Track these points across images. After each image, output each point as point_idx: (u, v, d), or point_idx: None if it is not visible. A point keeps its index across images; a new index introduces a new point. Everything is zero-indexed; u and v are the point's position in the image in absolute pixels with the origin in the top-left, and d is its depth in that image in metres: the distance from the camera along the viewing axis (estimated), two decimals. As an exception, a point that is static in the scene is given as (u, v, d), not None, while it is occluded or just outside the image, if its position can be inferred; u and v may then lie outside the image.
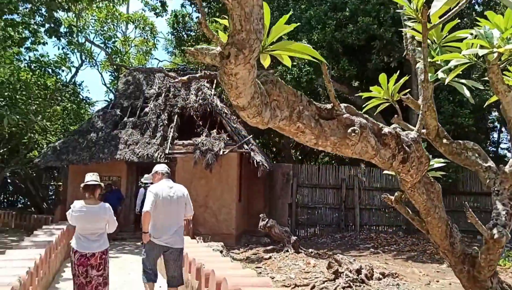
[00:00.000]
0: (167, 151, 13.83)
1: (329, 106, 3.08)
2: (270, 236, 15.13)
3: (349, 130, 2.98)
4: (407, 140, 3.39)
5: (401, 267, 10.47)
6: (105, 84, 25.73)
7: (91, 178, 5.29)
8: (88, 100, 21.88)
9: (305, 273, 9.33)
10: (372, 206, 16.27)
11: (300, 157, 25.18)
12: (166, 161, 13.64)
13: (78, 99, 21.12)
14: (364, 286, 8.06)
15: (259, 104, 2.65)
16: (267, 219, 12.36)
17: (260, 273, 9.13)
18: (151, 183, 6.01)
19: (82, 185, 5.27)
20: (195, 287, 5.70)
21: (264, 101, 2.71)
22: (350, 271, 8.38)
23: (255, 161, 13.59)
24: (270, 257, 11.26)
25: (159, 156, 13.65)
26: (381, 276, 8.73)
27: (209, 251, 7.14)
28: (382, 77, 3.70)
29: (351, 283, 8.06)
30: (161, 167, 5.87)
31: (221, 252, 10.05)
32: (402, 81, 3.76)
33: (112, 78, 24.74)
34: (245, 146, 13.88)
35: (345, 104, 3.24)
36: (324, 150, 3.15)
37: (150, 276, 5.52)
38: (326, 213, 16.36)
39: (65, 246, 9.50)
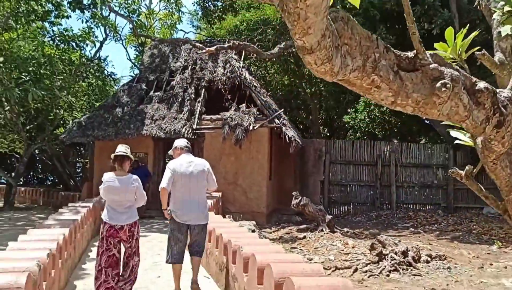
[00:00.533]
0: (194, 126, 13.27)
1: (411, 53, 2.37)
2: (302, 215, 14.57)
3: (438, 84, 2.27)
4: (502, 99, 2.66)
5: (446, 248, 9.73)
6: (130, 59, 25.34)
7: (122, 149, 5.19)
8: (113, 76, 21.48)
9: (345, 254, 8.71)
10: (409, 183, 15.46)
11: (328, 134, 24.41)
12: (193, 137, 13.11)
13: (103, 75, 20.71)
14: (412, 270, 7.39)
15: (330, 46, 1.97)
16: (301, 197, 11.73)
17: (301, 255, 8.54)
18: None
19: (112, 155, 5.18)
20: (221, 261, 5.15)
21: (335, 43, 2.02)
22: (396, 253, 7.71)
23: (287, 136, 12.91)
24: (304, 237, 10.68)
25: (186, 131, 13.11)
26: (429, 259, 8.04)
27: (243, 231, 6.56)
28: (449, 31, 2.99)
29: (397, 266, 7.40)
30: (180, 142, 5.69)
31: (253, 231, 9.51)
32: (472, 36, 3.03)
33: (137, 52, 24.22)
34: (276, 121, 13.20)
35: (432, 51, 2.55)
36: (403, 110, 2.44)
37: (174, 257, 5.33)
38: (360, 191, 15.62)
39: (91, 224, 9.10)
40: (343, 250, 9.07)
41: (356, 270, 7.50)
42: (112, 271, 4.85)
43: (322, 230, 11.34)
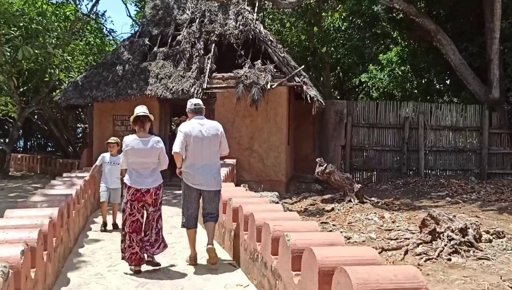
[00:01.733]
0: (204, 86, 11.85)
1: None
2: (322, 183, 13.34)
3: None
4: None
5: (497, 221, 8.48)
6: (130, 16, 23.60)
7: (141, 110, 4.98)
8: (113, 33, 19.87)
9: (386, 231, 7.46)
10: (439, 148, 14.10)
11: (338, 97, 22.95)
12: (203, 97, 11.71)
13: (102, 34, 19.11)
14: (475, 252, 6.14)
15: None
16: (326, 164, 10.44)
17: (331, 231, 7.30)
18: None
19: (131, 118, 4.97)
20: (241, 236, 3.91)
21: None
22: (453, 231, 6.44)
23: (308, 96, 11.51)
24: (332, 209, 9.44)
25: (195, 91, 11.71)
26: (491, 237, 6.79)
27: (277, 209, 5.28)
28: None
29: (458, 248, 6.15)
30: (192, 104, 5.28)
31: (276, 203, 8.25)
32: None
33: (137, 9, 22.48)
34: (297, 79, 11.77)
35: None
36: None
37: (189, 221, 5.12)
38: (385, 157, 14.30)
39: (90, 197, 7.85)
40: (382, 226, 7.83)
41: (407, 251, 6.26)
42: (137, 236, 4.81)
43: (350, 201, 10.13)
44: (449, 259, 5.87)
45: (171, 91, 11.76)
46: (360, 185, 10.41)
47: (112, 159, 7.02)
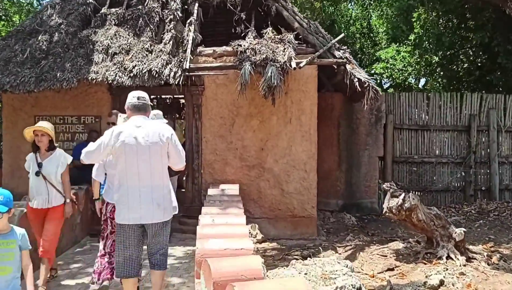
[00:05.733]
0: (186, 65, 7.18)
1: None
2: (348, 208, 9.17)
3: None
4: None
5: None
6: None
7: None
8: None
9: None
10: (518, 158, 10.06)
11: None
12: (183, 84, 7.13)
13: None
14: None
15: None
16: (402, 193, 6.07)
17: None
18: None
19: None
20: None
21: None
22: None
23: (356, 81, 7.10)
24: (441, 284, 5.04)
25: (172, 73, 7.06)
26: None
27: None
28: None
29: None
30: (132, 98, 3.83)
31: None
32: None
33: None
34: (337, 53, 7.34)
35: None
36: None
37: (126, 267, 3.69)
38: (442, 171, 10.08)
39: None
40: None
41: None
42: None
43: (449, 257, 5.88)
44: None
45: (131, 74, 7.06)
46: (462, 229, 6.06)
47: None
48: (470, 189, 9.80)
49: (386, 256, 6.26)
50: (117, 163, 3.69)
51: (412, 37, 12.62)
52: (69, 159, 4.84)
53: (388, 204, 6.08)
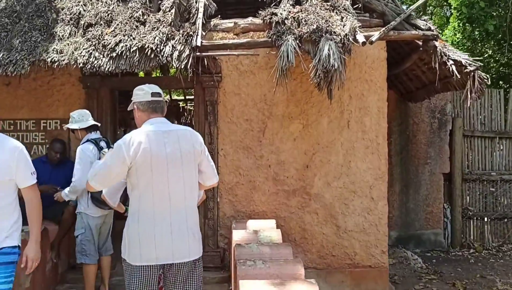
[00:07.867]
0: (197, 42, 4.75)
1: None
2: (405, 243, 6.88)
3: None
4: None
5: None
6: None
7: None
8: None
9: None
10: None
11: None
12: (193, 70, 4.74)
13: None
14: None
15: None
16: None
17: None
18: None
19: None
20: None
21: None
22: None
23: (451, 64, 4.73)
24: None
25: (175, 55, 4.64)
26: None
27: None
28: None
29: None
30: (143, 93, 2.82)
31: None
32: None
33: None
34: (420, 22, 4.96)
35: None
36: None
37: None
38: (527, 193, 7.74)
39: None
40: None
41: None
42: None
43: None
44: None
45: (113, 55, 4.62)
46: None
47: None
48: None
49: None
50: (138, 182, 2.66)
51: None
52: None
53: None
